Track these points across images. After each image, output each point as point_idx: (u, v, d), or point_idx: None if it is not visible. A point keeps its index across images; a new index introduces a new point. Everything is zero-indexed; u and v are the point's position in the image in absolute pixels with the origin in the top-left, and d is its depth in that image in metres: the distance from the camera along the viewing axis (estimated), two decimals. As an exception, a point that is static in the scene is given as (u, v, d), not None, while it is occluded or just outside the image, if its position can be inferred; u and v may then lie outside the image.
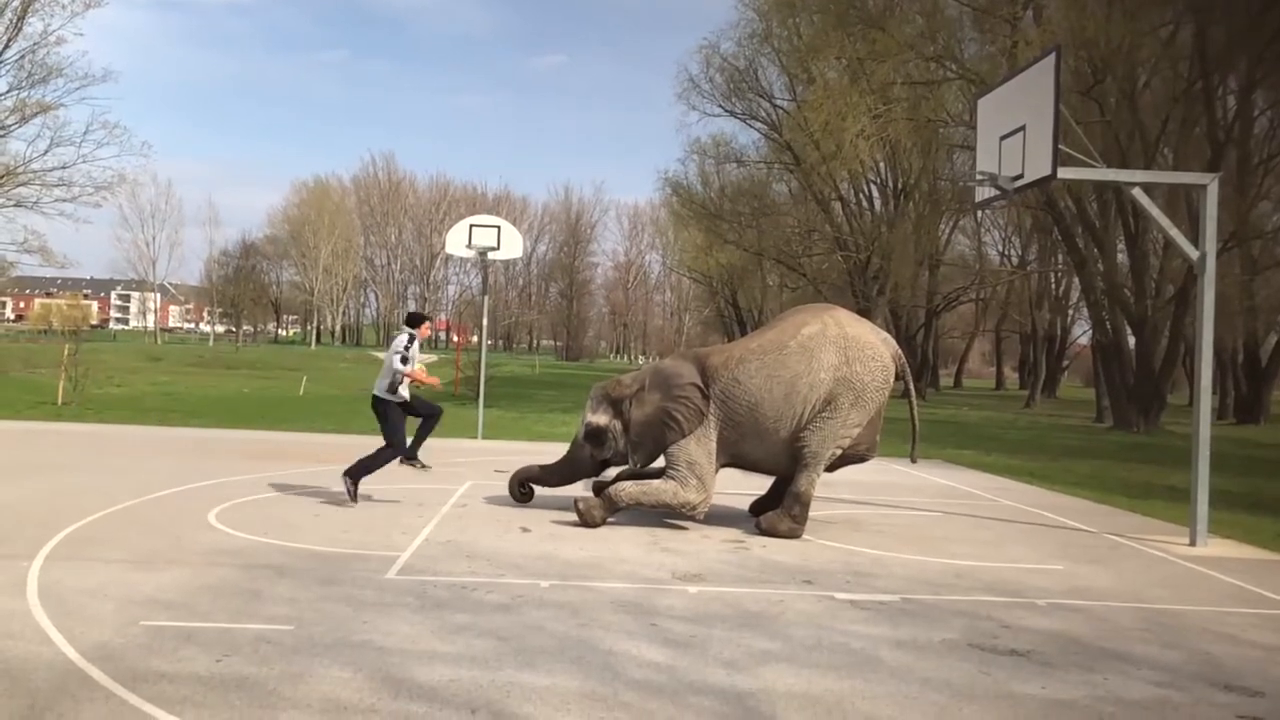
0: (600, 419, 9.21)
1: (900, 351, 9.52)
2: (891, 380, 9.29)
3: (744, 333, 76.89)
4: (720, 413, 8.97)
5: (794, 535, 8.81)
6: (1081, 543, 9.23)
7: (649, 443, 9.05)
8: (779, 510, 9.01)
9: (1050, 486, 13.55)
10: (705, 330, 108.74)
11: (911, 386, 10.04)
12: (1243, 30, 25.22)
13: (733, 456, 9.23)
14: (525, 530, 8.50)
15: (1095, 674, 5.14)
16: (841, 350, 9.02)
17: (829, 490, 12.10)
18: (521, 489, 9.77)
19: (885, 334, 9.61)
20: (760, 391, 8.89)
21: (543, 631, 5.44)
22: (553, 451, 12.72)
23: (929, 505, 11.25)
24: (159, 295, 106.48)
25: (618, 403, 9.22)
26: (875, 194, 48.00)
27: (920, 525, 9.85)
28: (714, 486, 9.06)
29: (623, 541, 8.19)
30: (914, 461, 10.77)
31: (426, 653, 4.97)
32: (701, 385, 9.00)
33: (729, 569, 7.34)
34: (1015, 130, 9.41)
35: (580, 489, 9.71)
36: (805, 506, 8.91)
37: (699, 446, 8.91)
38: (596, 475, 9.59)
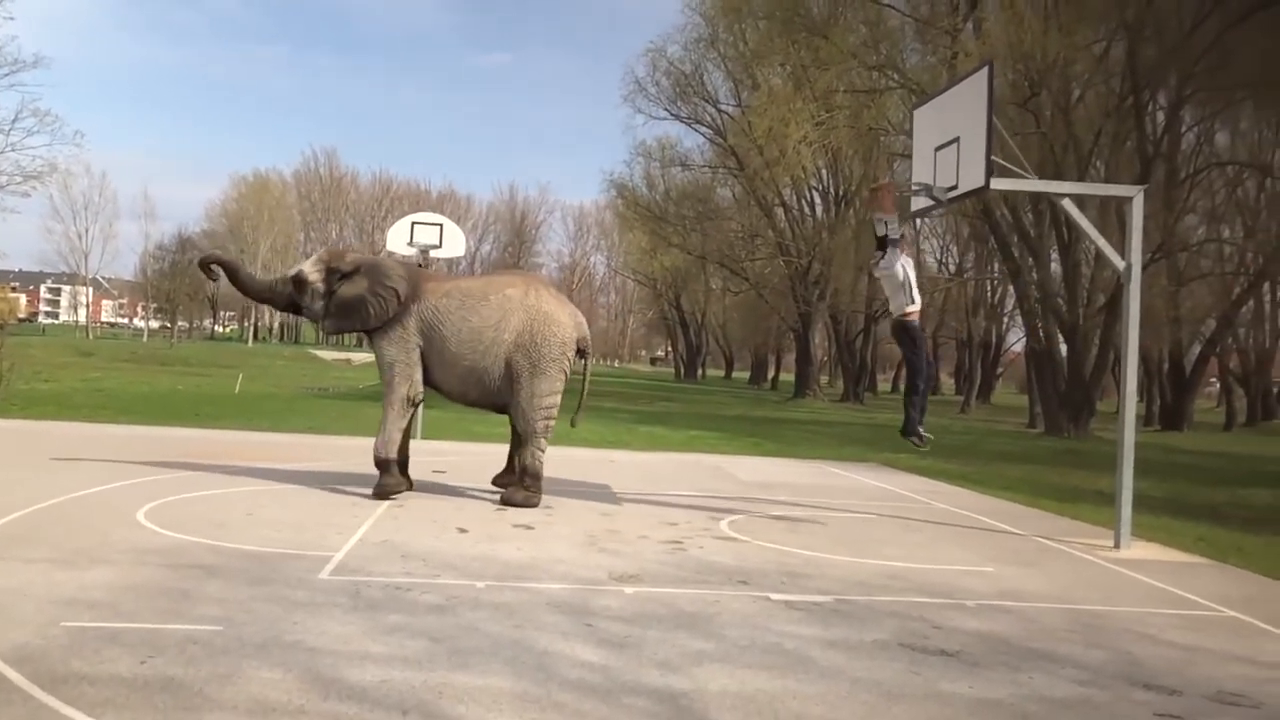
0: (312, 275, 10.32)
1: (588, 335, 10.53)
2: (570, 356, 10.24)
3: (688, 334, 77.59)
4: (419, 330, 10.09)
5: (530, 504, 9.85)
6: (1011, 545, 9.43)
7: (340, 317, 10.29)
8: (515, 485, 10.13)
9: (983, 490, 13.82)
10: (649, 332, 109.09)
11: (589, 364, 10.89)
12: (1172, 49, 25.99)
13: (431, 380, 10.29)
14: (462, 531, 8.46)
15: (1021, 673, 5.26)
16: (529, 320, 10.04)
17: (764, 492, 12.22)
18: (210, 267, 10.96)
19: (578, 314, 10.57)
20: (451, 327, 10.02)
21: (477, 632, 5.42)
22: (495, 452, 12.68)
23: (863, 507, 11.40)
24: (91, 289, 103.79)
25: (333, 272, 10.29)
26: (817, 200, 48.51)
27: (854, 527, 9.98)
28: (420, 382, 10.16)
29: (560, 542, 8.18)
30: (573, 425, 11.38)
31: (358, 653, 4.92)
32: (402, 294, 10.08)
33: (666, 570, 7.37)
34: (950, 141, 9.58)
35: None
36: (536, 478, 10.03)
37: (399, 349, 10.07)
38: (281, 309, 11.09)
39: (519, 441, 10.30)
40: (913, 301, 9.39)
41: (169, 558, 6.77)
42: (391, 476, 9.96)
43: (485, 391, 10.26)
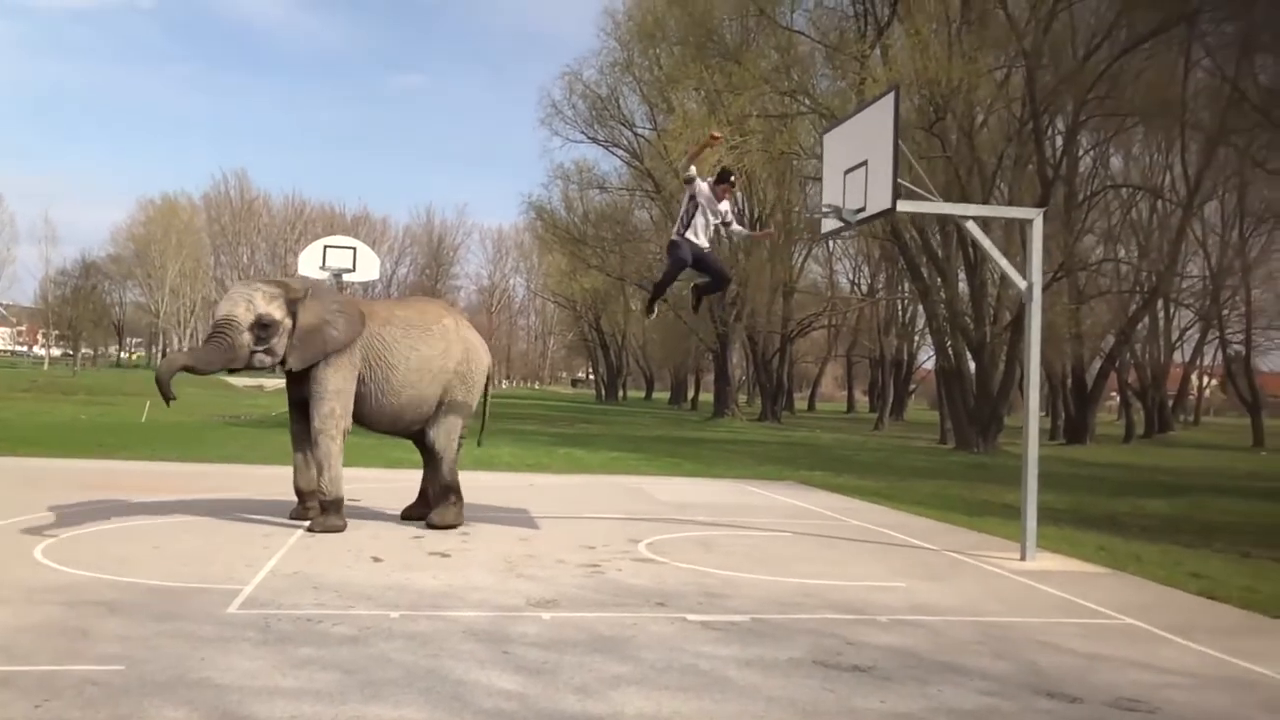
0: (277, 313, 9.45)
1: (491, 360, 11.11)
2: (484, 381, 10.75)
3: (609, 356, 77.65)
4: (364, 358, 9.85)
5: (460, 521, 10.14)
6: (923, 560, 9.64)
7: (305, 348, 9.56)
8: (441, 505, 10.17)
9: (896, 506, 14.10)
10: (570, 354, 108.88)
11: (490, 387, 11.14)
12: (1067, 75, 27.09)
13: (358, 410, 9.95)
14: (377, 560, 8.33)
15: (930, 686, 5.38)
16: (463, 349, 10.41)
17: (682, 512, 12.28)
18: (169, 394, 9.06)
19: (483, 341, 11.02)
20: (399, 355, 9.96)
21: (391, 663, 5.35)
22: (409, 478, 12.52)
23: (780, 526, 11.54)
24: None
25: (293, 303, 9.58)
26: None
27: (771, 545, 10.09)
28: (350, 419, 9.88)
29: (477, 569, 8.11)
30: (480, 445, 12.16)
31: (267, 688, 4.81)
32: (363, 317, 9.88)
33: (584, 594, 7.36)
34: (858, 164, 9.83)
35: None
36: (459, 491, 10.33)
37: (345, 377, 9.70)
38: (240, 366, 9.62)
39: (437, 463, 10.35)
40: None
41: (67, 595, 6.52)
42: (340, 517, 9.64)
43: (416, 418, 10.31)
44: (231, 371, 10.04)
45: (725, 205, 9.18)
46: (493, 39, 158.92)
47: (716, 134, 9.50)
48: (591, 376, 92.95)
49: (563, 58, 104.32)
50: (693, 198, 9.09)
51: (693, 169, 9.21)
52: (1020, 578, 8.85)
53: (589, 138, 50.85)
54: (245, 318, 9.30)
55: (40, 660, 5.10)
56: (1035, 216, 10.13)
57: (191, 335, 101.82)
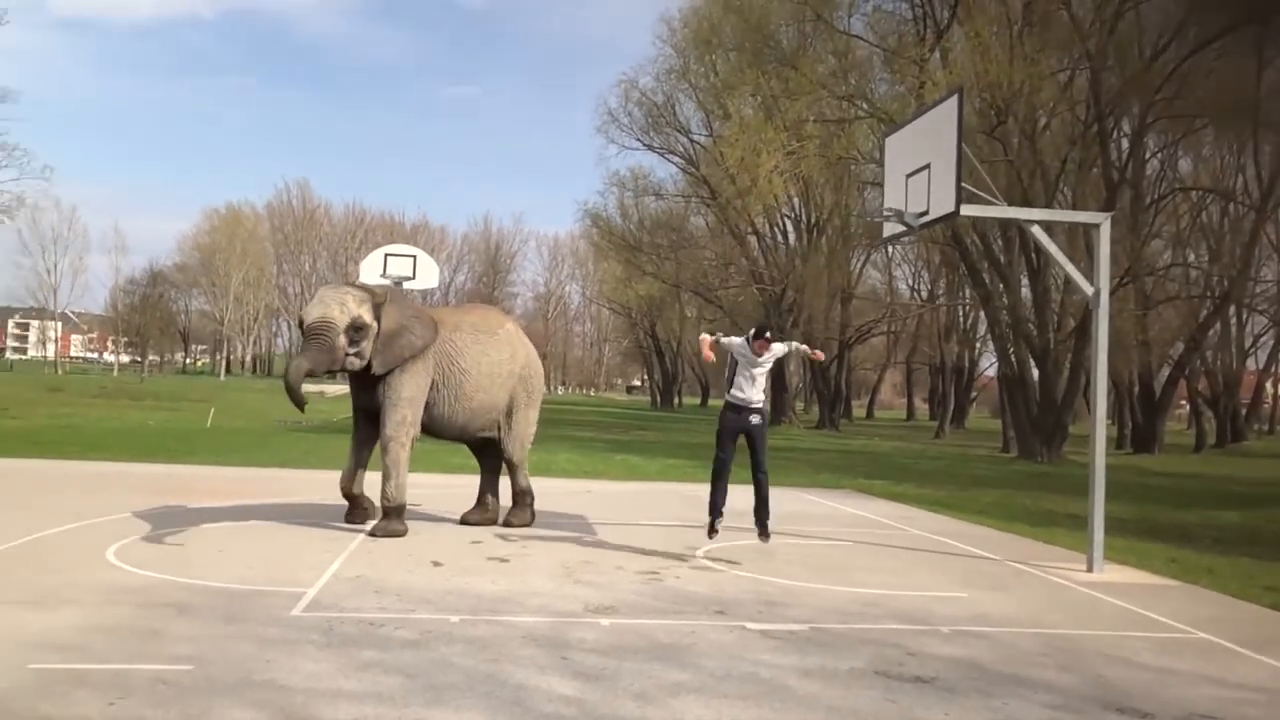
0: (367, 315, 9.49)
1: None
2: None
3: (664, 363, 77.63)
4: (436, 365, 9.91)
5: (533, 520, 10.65)
6: (985, 570, 9.47)
7: (390, 351, 9.62)
8: (518, 508, 10.67)
9: (957, 515, 13.88)
10: (625, 361, 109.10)
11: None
12: (1133, 77, 26.51)
13: (428, 417, 10.01)
14: (437, 564, 8.40)
15: (994, 699, 5.27)
16: (525, 355, 10.71)
17: (740, 520, 12.19)
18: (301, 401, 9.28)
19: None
20: (471, 361, 10.08)
21: (452, 667, 5.38)
22: (467, 484, 12.62)
23: (839, 534, 11.43)
24: (60, 324, 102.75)
25: (378, 307, 9.65)
26: (789, 228, 48.94)
27: (830, 554, 10.00)
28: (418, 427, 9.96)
29: (536, 574, 8.14)
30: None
31: (331, 691, 4.87)
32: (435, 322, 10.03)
33: (642, 600, 7.35)
34: (921, 168, 9.72)
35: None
36: (533, 494, 10.80)
37: (419, 384, 9.78)
38: (335, 370, 9.76)
39: (512, 469, 10.73)
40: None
41: (139, 597, 6.68)
42: (402, 522, 9.71)
43: (485, 424, 10.45)
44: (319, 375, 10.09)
45: (766, 356, 9.06)
46: (543, 49, 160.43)
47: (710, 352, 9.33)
48: (646, 383, 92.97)
49: (617, 66, 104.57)
50: (732, 357, 9.18)
51: (717, 335, 9.43)
52: (1087, 589, 8.66)
53: (645, 145, 50.99)
54: (341, 320, 9.32)
55: (113, 659, 5.22)
56: (1103, 221, 9.92)
57: (255, 342, 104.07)
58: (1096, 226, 9.92)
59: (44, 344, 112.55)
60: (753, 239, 47.85)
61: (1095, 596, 8.35)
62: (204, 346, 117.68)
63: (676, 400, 78.36)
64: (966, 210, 9.61)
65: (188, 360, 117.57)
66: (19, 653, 5.26)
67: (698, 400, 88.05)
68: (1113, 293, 11.32)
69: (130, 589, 6.91)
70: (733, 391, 9.19)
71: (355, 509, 10.17)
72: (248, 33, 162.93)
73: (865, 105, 30.72)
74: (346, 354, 9.41)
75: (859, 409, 70.52)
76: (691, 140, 49.55)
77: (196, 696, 4.69)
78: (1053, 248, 10.18)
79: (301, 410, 9.40)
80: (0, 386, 41.85)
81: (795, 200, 44.82)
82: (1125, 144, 29.76)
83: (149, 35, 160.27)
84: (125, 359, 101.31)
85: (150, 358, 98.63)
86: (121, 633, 5.75)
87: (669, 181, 54.48)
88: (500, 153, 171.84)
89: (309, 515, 10.82)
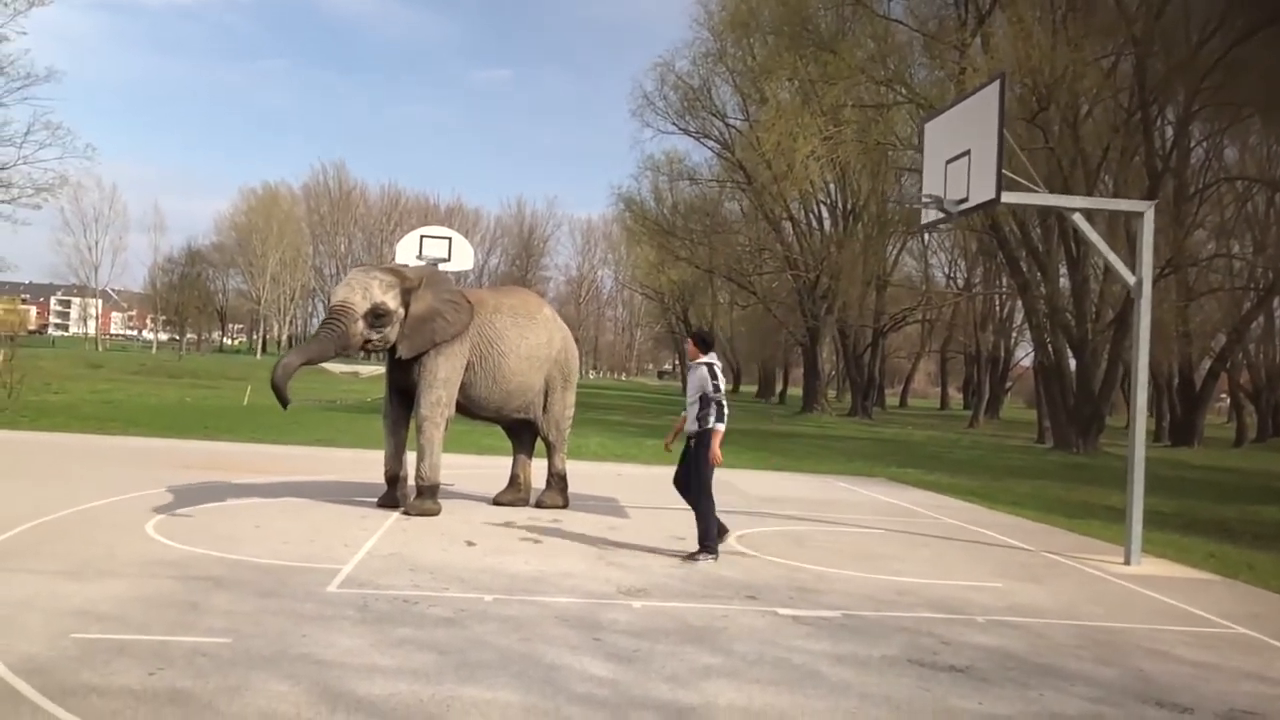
0: (392, 303, 9.50)
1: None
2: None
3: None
4: (473, 347, 10.00)
5: (566, 504, 10.71)
6: (1020, 561, 9.39)
7: (417, 336, 9.66)
8: (550, 490, 10.79)
9: (991, 505, 13.77)
10: (657, 346, 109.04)
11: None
12: (1180, 64, 25.99)
13: (465, 397, 10.10)
14: (470, 544, 8.45)
15: (1031, 690, 5.22)
16: (563, 338, 10.82)
17: (772, 506, 12.18)
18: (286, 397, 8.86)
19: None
20: (509, 344, 10.19)
21: (485, 645, 5.41)
22: (499, 465, 12.67)
23: (871, 522, 11.36)
24: (101, 301, 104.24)
25: (407, 292, 9.66)
26: (825, 214, 48.58)
27: (862, 542, 9.94)
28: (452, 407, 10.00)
29: (569, 556, 8.17)
30: None
31: (366, 666, 4.91)
32: (473, 305, 10.07)
33: (674, 584, 7.35)
34: (960, 154, 9.59)
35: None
36: (566, 479, 10.90)
37: (455, 365, 9.83)
38: (351, 353, 10.00)
39: (549, 451, 10.87)
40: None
41: (177, 570, 6.77)
42: (436, 501, 9.80)
43: (521, 405, 10.55)
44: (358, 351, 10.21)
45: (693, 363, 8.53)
46: (576, 32, 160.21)
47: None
48: (677, 368, 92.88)
49: (652, 50, 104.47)
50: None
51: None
52: (1124, 582, 8.55)
53: (680, 129, 50.70)
54: (361, 305, 9.37)
55: (153, 630, 5.29)
56: (1147, 209, 9.75)
57: (291, 321, 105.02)
58: (1140, 215, 9.76)
59: (85, 321, 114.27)
60: (787, 224, 47.54)
61: (1133, 589, 8.25)
62: (241, 325, 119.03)
63: (708, 386, 78.07)
64: (1007, 198, 9.47)
65: (225, 339, 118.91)
66: (61, 621, 5.34)
67: (730, 387, 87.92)
68: (1154, 283, 11.11)
69: (169, 562, 7.00)
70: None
71: (391, 493, 10.21)
72: (284, 14, 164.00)
73: (904, 90, 30.36)
74: (366, 338, 9.47)
75: (892, 397, 70.10)
76: (727, 124, 49.27)
77: (234, 669, 4.74)
78: (1094, 236, 10.02)
79: (284, 408, 9.15)
80: (44, 362, 42.51)
81: (831, 186, 44.49)
82: (1169, 132, 29.23)
83: (188, 17, 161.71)
84: (164, 337, 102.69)
85: (188, 336, 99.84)
86: (161, 605, 5.82)
87: (704, 166, 54.29)
88: (534, 135, 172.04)
89: (344, 493, 10.92)
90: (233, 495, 10.35)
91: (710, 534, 8.31)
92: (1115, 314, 27.68)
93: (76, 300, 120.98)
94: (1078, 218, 9.88)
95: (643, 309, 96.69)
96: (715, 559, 8.22)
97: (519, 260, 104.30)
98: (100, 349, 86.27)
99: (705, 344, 8.60)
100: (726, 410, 8.35)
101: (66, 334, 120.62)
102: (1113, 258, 10.00)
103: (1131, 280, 9.75)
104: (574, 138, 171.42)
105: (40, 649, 4.87)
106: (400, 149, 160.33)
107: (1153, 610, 7.50)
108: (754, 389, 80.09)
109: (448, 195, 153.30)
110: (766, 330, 59.62)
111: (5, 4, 32.78)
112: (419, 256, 16.85)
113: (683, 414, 8.61)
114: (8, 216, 37.50)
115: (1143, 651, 6.18)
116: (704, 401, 8.27)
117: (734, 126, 48.56)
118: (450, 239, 17.32)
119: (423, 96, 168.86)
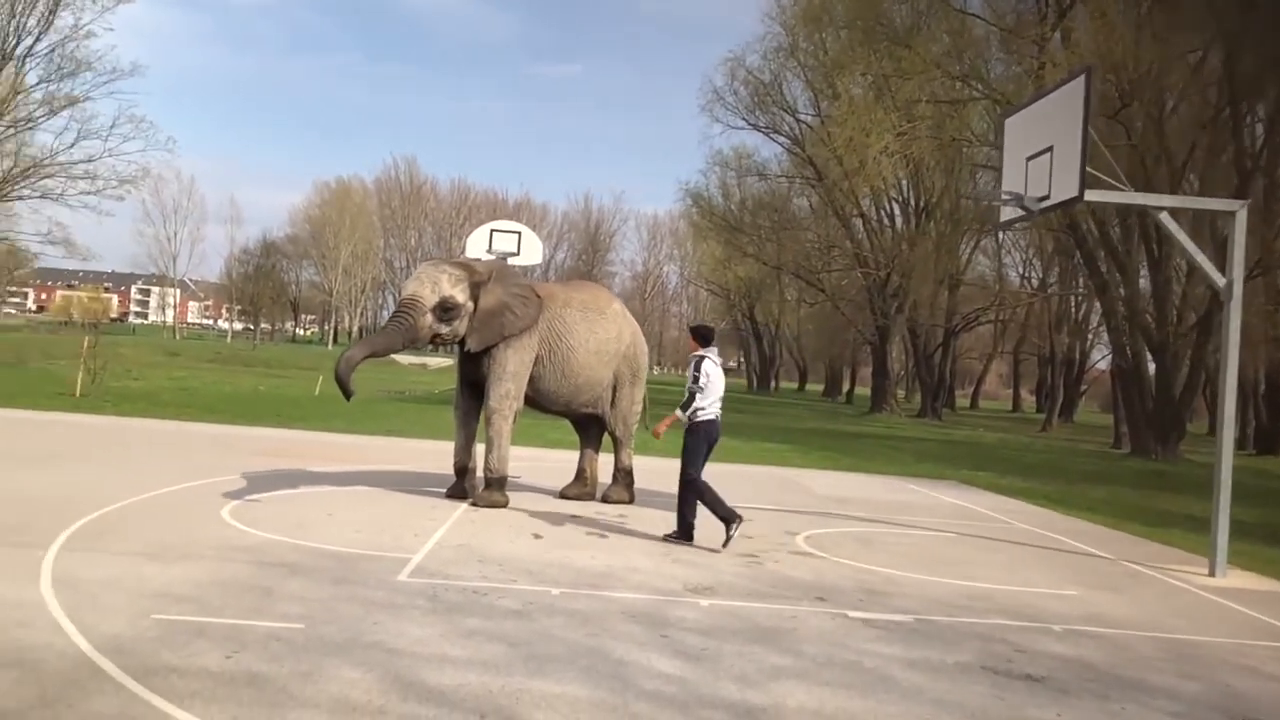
0: (460, 296, 9.58)
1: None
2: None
3: (761, 346, 77.09)
4: (543, 340, 10.02)
5: (632, 500, 10.69)
6: (1097, 569, 9.13)
7: (488, 329, 9.72)
8: (616, 485, 10.79)
9: (1065, 511, 13.43)
10: (722, 343, 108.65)
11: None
12: (1273, 59, 25.03)
13: (534, 390, 10.14)
14: (537, 536, 8.48)
15: (1111, 702, 5.06)
16: (632, 333, 10.80)
17: (840, 507, 12.03)
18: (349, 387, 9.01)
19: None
20: (579, 338, 10.18)
21: (554, 639, 5.41)
22: (566, 459, 12.71)
23: (942, 525, 11.16)
24: (179, 291, 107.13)
25: (476, 286, 9.72)
26: (897, 211, 47.88)
27: (933, 545, 9.76)
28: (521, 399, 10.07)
29: (635, 551, 8.15)
30: (647, 428, 12.33)
31: (437, 656, 4.94)
32: (542, 299, 10.11)
33: (741, 583, 7.29)
34: (1042, 151, 9.35)
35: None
36: (632, 475, 10.85)
37: (524, 358, 9.87)
38: (421, 346, 10.06)
39: (616, 446, 10.84)
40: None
41: (253, 555, 6.90)
42: (503, 493, 9.88)
43: (590, 399, 10.53)
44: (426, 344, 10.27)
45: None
46: (643, 27, 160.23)
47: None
48: (743, 365, 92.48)
49: (721, 45, 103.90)
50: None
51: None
52: (1209, 594, 8.27)
53: (749, 124, 50.32)
54: (430, 299, 9.49)
55: (229, 614, 5.39)
56: (1239, 209, 9.41)
57: (362, 314, 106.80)
58: (1231, 214, 9.42)
59: (163, 310, 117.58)
60: (858, 221, 46.92)
61: (1218, 602, 7.97)
62: (313, 316, 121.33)
63: (774, 384, 77.70)
64: (1091, 195, 9.20)
65: (297, 329, 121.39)
66: (142, 602, 5.47)
67: (795, 385, 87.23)
68: (1243, 285, 10.68)
69: (244, 547, 7.14)
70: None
71: (459, 485, 10.29)
72: (357, 10, 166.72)
73: (980, 86, 29.78)
74: (434, 332, 9.58)
75: (962, 399, 68.84)
76: (798, 120, 48.81)
77: (308, 654, 4.80)
78: (1183, 236, 9.69)
79: (347, 399, 9.25)
80: (124, 349, 43.86)
81: (904, 183, 43.76)
82: (1260, 130, 28.21)
83: (266, 13, 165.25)
84: (238, 326, 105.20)
85: (262, 326, 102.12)
86: (237, 589, 5.93)
87: (773, 161, 53.77)
88: (601, 131, 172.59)
89: (413, 483, 11.04)
90: (305, 483, 10.53)
91: (684, 519, 8.84)
92: (1198, 317, 26.80)
93: (156, 289, 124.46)
94: (1165, 217, 9.56)
95: (708, 305, 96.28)
96: (690, 545, 8.58)
97: (585, 255, 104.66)
98: (177, 337, 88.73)
99: (704, 338, 8.99)
100: (697, 403, 8.78)
101: (145, 322, 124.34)
102: (1201, 258, 9.65)
103: (1221, 282, 9.42)
104: (641, 133, 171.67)
105: (123, 629, 4.98)
106: (469, 144, 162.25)
107: (1240, 624, 7.24)
108: (820, 388, 79.33)
109: (516, 190, 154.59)
110: (834, 328, 58.95)
111: (94, 1, 33.85)
112: (489, 251, 16.99)
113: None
114: (93, 207, 38.68)
115: (1230, 667, 5.96)
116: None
117: (804, 122, 48.12)
118: (520, 234, 17.41)
119: (492, 91, 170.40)
